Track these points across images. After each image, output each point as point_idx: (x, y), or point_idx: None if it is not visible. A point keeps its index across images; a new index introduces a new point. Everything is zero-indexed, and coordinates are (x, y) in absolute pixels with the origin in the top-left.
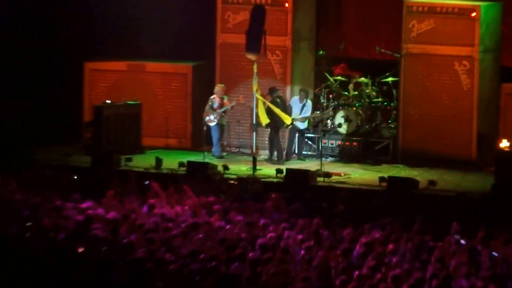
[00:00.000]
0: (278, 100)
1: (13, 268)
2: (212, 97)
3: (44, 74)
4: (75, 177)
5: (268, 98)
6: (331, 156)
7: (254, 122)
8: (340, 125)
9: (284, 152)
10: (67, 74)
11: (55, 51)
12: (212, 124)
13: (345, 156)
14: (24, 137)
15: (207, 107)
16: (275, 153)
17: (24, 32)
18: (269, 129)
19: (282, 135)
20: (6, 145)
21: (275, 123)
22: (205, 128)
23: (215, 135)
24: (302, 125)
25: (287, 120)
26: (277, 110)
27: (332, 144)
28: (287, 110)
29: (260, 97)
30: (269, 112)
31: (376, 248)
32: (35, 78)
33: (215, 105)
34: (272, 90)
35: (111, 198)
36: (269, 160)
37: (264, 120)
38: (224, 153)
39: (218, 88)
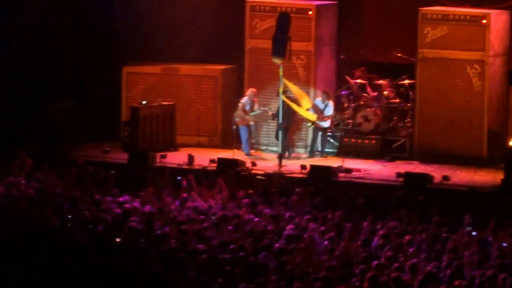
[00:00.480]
0: None
1: (57, 256)
2: (243, 100)
3: (86, 78)
4: (113, 172)
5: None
6: (350, 153)
7: (280, 121)
8: (360, 124)
9: (308, 149)
10: (107, 77)
11: (96, 56)
12: (241, 124)
13: (365, 153)
14: (67, 135)
15: (238, 109)
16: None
17: (68, 39)
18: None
19: (306, 133)
20: (50, 143)
21: (287, 122)
22: (234, 127)
23: (244, 135)
24: (324, 124)
25: (312, 117)
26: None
27: (353, 142)
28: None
29: (286, 99)
30: (287, 111)
31: (394, 239)
32: (78, 81)
33: (247, 108)
34: (284, 92)
35: (149, 193)
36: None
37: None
38: (253, 151)
39: (250, 91)
